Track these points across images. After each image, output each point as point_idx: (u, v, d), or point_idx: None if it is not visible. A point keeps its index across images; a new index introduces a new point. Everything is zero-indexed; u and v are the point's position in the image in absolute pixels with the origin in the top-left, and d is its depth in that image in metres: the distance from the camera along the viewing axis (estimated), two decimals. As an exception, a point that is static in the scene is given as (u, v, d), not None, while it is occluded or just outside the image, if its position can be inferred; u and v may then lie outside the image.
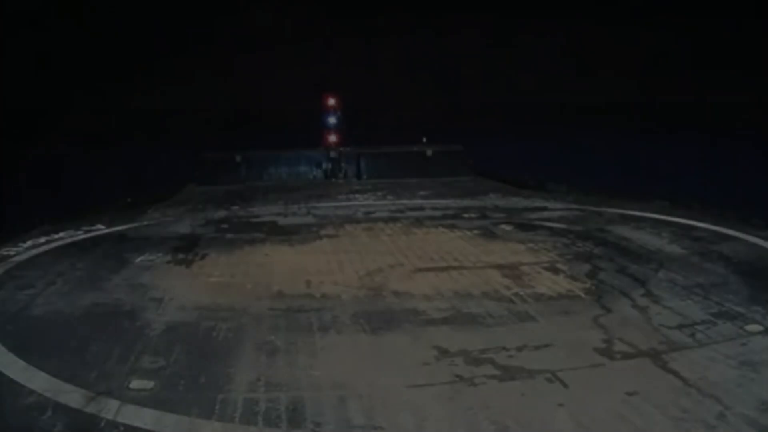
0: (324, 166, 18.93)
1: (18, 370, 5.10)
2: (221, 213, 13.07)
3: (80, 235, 10.68)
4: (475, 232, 10.45)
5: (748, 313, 6.14)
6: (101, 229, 11.24)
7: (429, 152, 18.86)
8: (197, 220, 12.22)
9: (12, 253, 9.27)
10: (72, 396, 4.62)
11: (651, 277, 7.49)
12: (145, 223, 12.04)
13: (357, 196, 15.57)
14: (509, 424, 4.15)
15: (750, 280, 7.19)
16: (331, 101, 19.15)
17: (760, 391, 4.50)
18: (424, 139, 19.03)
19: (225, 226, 11.63)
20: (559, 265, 8.12)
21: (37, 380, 4.89)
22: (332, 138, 19.34)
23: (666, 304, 6.50)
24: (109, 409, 4.43)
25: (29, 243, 9.87)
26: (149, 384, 4.82)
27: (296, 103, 17.40)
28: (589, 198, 13.45)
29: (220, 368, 5.10)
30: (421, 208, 13.15)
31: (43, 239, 10.16)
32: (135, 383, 4.83)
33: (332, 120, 19.32)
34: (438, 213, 12.53)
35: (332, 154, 19.02)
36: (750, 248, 8.75)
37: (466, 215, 12.22)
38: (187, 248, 9.62)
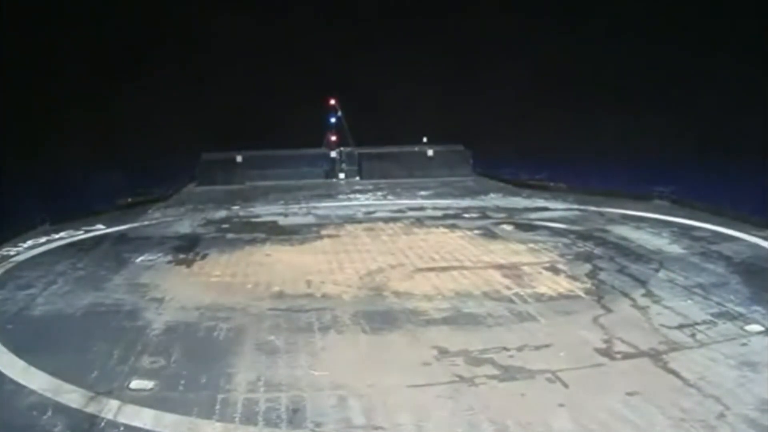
0: (324, 166, 18.92)
1: (18, 370, 5.10)
2: (221, 213, 13.08)
3: (80, 235, 10.70)
4: (476, 232, 10.45)
5: (748, 313, 6.13)
6: (101, 229, 11.25)
7: (430, 152, 18.86)
8: (197, 220, 12.23)
9: (12, 253, 9.28)
10: (72, 396, 4.62)
11: (651, 277, 7.49)
12: (145, 223, 12.05)
13: (357, 196, 15.58)
14: (509, 424, 4.14)
15: (750, 280, 7.19)
16: (332, 101, 19.16)
17: (760, 391, 4.49)
18: (425, 139, 19.03)
19: (225, 226, 11.64)
20: (559, 265, 8.12)
21: (37, 380, 4.89)
22: (333, 138, 19.34)
23: (666, 304, 6.50)
24: (109, 408, 4.43)
25: (29, 243, 9.88)
26: (149, 384, 4.82)
27: (296, 103, 17.37)
28: (590, 198, 13.45)
29: (220, 368, 5.10)
30: (422, 208, 13.15)
31: (43, 239, 10.18)
32: (135, 383, 4.83)
33: (332, 120, 19.32)
34: (439, 213, 12.53)
35: (333, 154, 19.03)
36: (750, 248, 8.75)
37: (466, 215, 12.22)
38: (187, 248, 9.63)
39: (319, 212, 12.98)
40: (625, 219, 11.16)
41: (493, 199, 14.29)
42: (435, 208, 13.08)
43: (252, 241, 10.12)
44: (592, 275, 7.65)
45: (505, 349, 5.37)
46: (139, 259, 8.89)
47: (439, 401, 4.50)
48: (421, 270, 8.06)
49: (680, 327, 5.82)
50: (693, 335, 5.63)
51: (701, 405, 4.34)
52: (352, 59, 17.31)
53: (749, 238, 9.22)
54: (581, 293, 6.97)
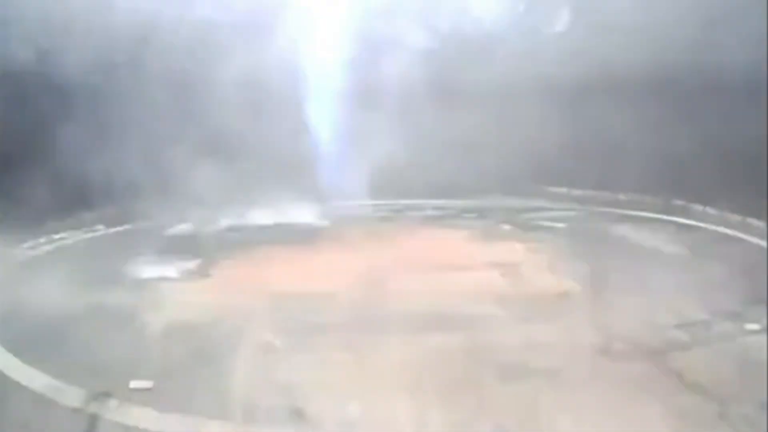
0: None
1: (18, 370, 5.11)
2: (220, 213, 13.03)
3: (80, 235, 10.70)
4: (475, 232, 10.45)
5: (747, 312, 6.14)
6: (101, 229, 11.25)
7: None
8: (198, 220, 12.20)
9: (12, 252, 9.27)
10: (72, 396, 4.63)
11: (650, 277, 7.50)
12: (145, 223, 12.03)
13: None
14: (509, 424, 4.15)
15: (749, 279, 7.19)
16: None
17: (759, 391, 4.50)
18: None
19: (225, 225, 11.63)
20: (559, 265, 8.13)
21: (37, 380, 4.90)
22: None
23: (665, 303, 6.50)
24: (109, 408, 4.44)
25: (29, 243, 9.88)
26: (149, 384, 4.82)
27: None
28: (589, 198, 13.44)
29: (220, 368, 5.11)
30: (421, 208, 13.15)
31: (43, 239, 10.18)
32: (135, 383, 4.83)
33: None
34: (438, 213, 12.53)
35: None
36: (749, 248, 8.76)
37: (466, 215, 12.23)
38: (188, 249, 9.63)
39: (318, 212, 12.95)
40: (625, 219, 11.16)
41: (492, 199, 14.28)
42: (434, 208, 13.08)
43: (252, 241, 10.11)
44: (591, 275, 7.66)
45: (505, 348, 5.38)
46: (139, 259, 8.89)
47: (438, 401, 4.51)
48: (420, 270, 8.06)
49: (680, 326, 5.83)
50: (692, 334, 5.64)
51: (701, 404, 4.35)
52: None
53: (748, 238, 9.23)
54: (580, 293, 6.98)
